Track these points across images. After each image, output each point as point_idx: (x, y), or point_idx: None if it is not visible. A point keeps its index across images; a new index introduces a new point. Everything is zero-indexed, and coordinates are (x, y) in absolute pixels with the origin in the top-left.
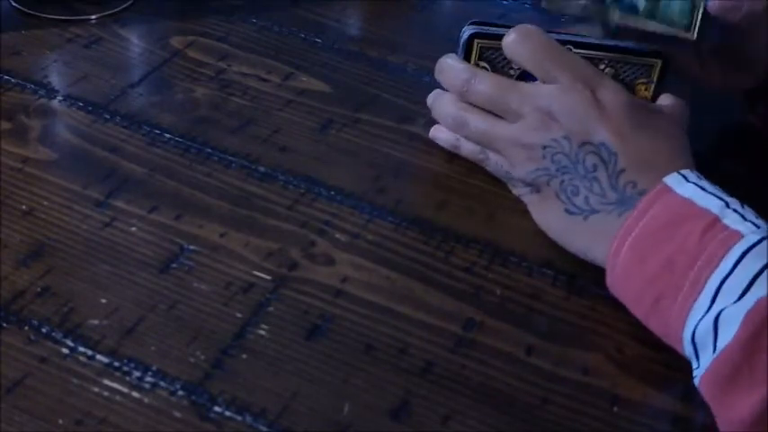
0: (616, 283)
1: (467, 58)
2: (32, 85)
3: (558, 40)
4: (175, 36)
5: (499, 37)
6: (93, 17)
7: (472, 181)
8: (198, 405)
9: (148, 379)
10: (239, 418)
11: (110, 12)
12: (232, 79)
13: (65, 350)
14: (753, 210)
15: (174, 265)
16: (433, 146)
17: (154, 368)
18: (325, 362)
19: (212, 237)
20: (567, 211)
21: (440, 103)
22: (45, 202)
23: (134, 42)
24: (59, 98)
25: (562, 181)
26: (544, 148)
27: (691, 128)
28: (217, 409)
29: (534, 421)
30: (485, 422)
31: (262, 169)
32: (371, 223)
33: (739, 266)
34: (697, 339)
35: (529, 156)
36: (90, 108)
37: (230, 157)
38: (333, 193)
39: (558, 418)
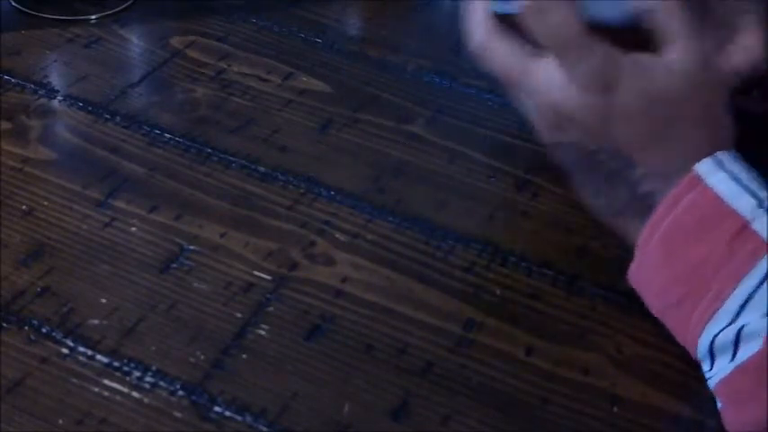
0: (640, 274)
1: None
2: (32, 85)
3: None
4: (175, 36)
5: None
6: (93, 17)
7: (472, 181)
8: (198, 405)
9: (148, 379)
10: (239, 418)
11: (110, 12)
12: (232, 79)
13: (65, 350)
14: None
15: (174, 265)
16: (433, 146)
17: (154, 368)
18: (325, 362)
19: (212, 237)
20: (593, 204)
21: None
22: (45, 202)
23: (134, 42)
24: (59, 98)
25: (583, 177)
26: (556, 144)
27: None
28: (217, 409)
29: (534, 421)
30: (485, 422)
31: (262, 169)
32: (371, 223)
33: (767, 282)
34: (716, 347)
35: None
36: (90, 108)
37: (230, 157)
38: (333, 193)
39: (558, 418)
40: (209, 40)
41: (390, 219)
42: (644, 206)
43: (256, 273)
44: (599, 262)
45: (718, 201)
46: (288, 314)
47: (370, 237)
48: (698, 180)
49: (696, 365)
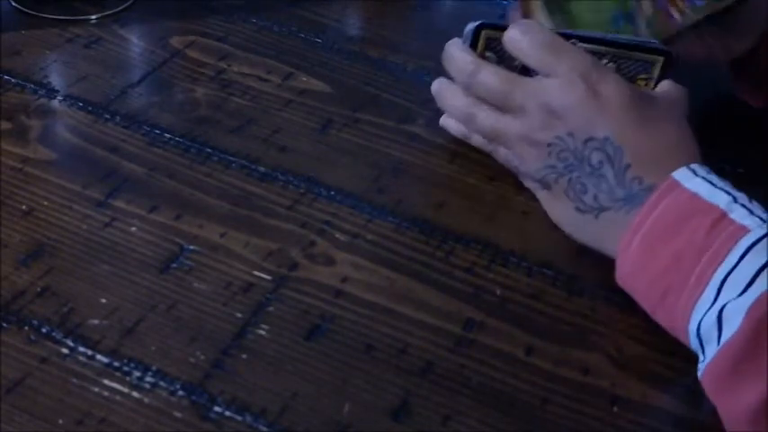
0: (626, 277)
1: (473, 47)
2: (32, 85)
3: (562, 34)
4: (175, 36)
5: (505, 29)
6: (93, 17)
7: (472, 181)
8: (198, 405)
9: (148, 379)
10: (239, 418)
11: (110, 12)
12: (232, 79)
13: (65, 350)
14: (761, 204)
15: (174, 265)
16: (433, 146)
17: (154, 368)
18: (325, 362)
19: (212, 237)
20: (577, 209)
21: (447, 94)
22: (45, 202)
23: (134, 42)
24: (59, 98)
25: (570, 179)
26: (549, 145)
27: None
28: (217, 409)
29: (534, 421)
30: (485, 422)
31: (262, 169)
32: (371, 223)
33: (744, 260)
34: (702, 333)
35: (535, 153)
36: (90, 108)
37: (230, 157)
38: (333, 193)
39: (558, 418)
40: (209, 40)
41: (390, 219)
42: (632, 195)
43: (256, 273)
44: (599, 262)
45: (695, 198)
46: (288, 314)
47: (370, 237)
48: (676, 184)
49: (696, 364)
